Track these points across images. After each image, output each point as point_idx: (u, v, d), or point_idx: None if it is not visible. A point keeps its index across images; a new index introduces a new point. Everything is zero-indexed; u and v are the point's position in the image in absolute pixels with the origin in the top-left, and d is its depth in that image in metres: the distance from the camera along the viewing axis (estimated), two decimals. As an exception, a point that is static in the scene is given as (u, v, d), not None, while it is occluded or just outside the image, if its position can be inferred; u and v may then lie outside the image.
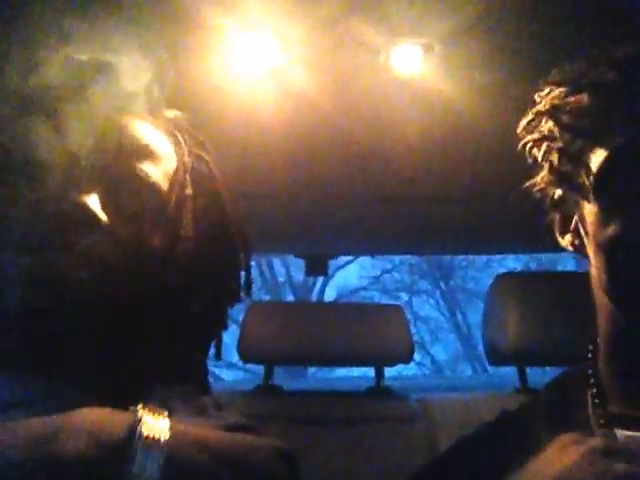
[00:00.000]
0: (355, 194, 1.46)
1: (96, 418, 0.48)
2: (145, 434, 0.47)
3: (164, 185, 0.63)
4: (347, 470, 1.42)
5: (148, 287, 0.59)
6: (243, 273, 0.72)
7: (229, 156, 0.75)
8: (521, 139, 0.69)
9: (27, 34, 0.65)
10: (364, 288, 10.36)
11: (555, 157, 0.64)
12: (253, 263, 0.75)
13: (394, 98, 1.09)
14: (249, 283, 0.73)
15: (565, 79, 0.64)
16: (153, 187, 0.62)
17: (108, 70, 0.63)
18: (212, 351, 0.73)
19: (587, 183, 0.59)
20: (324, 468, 1.39)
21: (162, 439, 0.47)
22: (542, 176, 0.67)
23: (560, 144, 0.63)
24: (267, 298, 8.71)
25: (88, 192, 0.57)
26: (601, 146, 0.58)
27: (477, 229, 1.71)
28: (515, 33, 0.91)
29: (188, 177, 0.66)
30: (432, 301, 10.87)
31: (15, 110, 0.60)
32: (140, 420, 0.48)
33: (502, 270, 4.12)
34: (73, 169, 0.59)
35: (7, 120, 0.60)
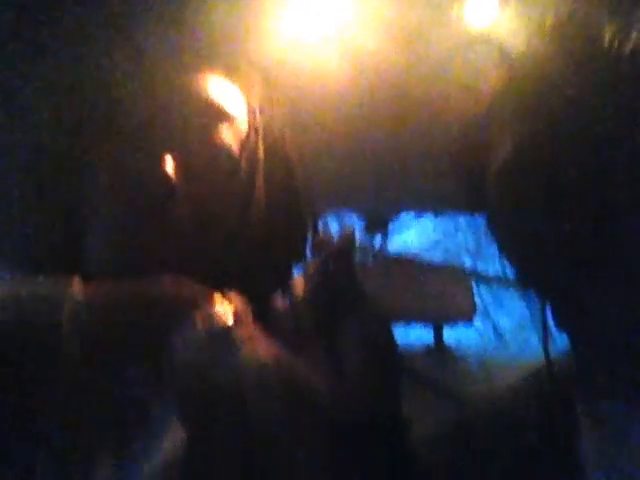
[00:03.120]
0: (423, 151, 1.44)
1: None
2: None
3: (236, 148, 0.61)
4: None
5: (221, 256, 0.58)
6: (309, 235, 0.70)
7: (293, 116, 0.73)
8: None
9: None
10: (426, 250, 10.18)
11: None
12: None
13: (466, 54, 1.05)
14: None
15: None
16: (225, 150, 0.60)
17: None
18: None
19: None
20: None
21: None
22: None
23: None
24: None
25: (164, 158, 0.56)
26: None
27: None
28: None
29: (260, 140, 0.64)
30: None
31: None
32: None
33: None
34: (146, 132, 0.58)
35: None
